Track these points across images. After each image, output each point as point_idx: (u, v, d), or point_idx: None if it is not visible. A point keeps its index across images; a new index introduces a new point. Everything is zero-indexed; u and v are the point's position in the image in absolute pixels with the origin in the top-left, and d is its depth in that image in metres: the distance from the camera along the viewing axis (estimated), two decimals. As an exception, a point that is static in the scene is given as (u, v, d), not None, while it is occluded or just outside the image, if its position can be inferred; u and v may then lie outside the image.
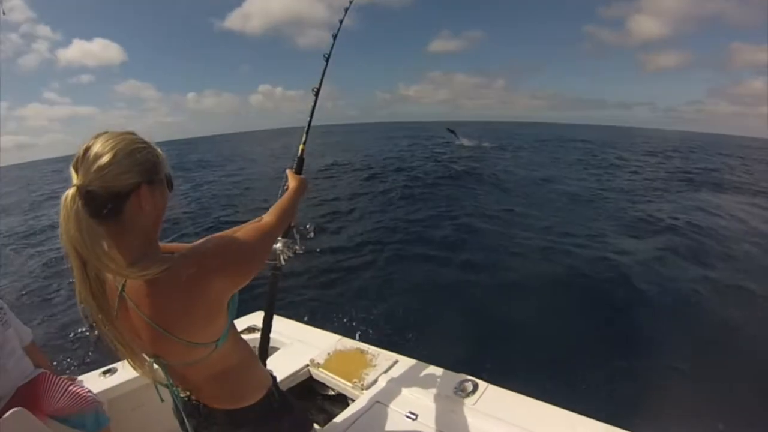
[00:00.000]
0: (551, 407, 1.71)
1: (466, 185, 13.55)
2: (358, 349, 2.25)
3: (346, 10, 2.06)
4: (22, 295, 6.84)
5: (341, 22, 2.00)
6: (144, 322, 0.89)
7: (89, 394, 1.98)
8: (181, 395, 1.08)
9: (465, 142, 29.47)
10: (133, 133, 0.93)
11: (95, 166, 0.83)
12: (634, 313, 5.11)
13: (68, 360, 4.61)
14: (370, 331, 4.70)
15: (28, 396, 1.90)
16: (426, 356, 2.09)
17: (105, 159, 0.83)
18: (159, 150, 0.97)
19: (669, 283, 5.85)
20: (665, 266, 6.49)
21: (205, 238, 1.00)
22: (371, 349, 2.23)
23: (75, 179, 0.83)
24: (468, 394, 1.79)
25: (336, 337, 2.40)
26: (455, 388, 1.83)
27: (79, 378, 2.12)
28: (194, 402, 1.09)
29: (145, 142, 0.94)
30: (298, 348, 2.38)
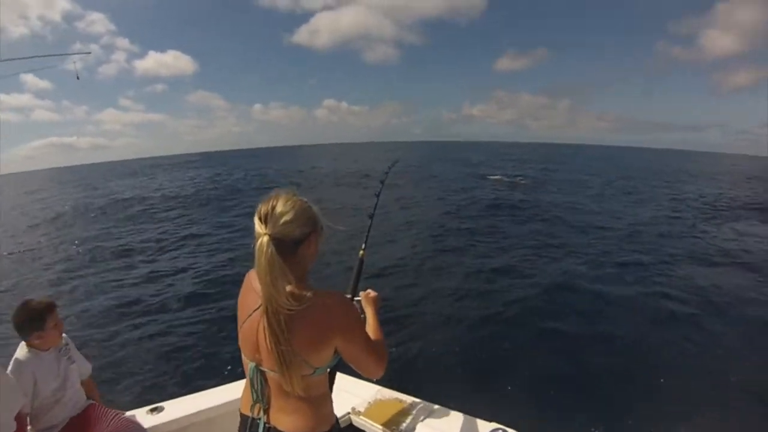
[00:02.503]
0: None
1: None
2: (396, 398, 2.32)
3: (383, 182, 2.21)
4: (86, 325, 6.82)
5: (383, 182, 2.20)
6: (277, 338, 1.11)
7: (135, 425, 2.12)
8: (263, 422, 1.24)
9: (499, 177, 27.94)
10: (296, 194, 1.23)
11: (281, 221, 1.13)
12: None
13: (118, 395, 4.70)
14: (408, 381, 4.42)
15: (80, 425, 2.11)
16: (460, 406, 2.20)
17: (289, 216, 1.15)
18: (315, 206, 1.25)
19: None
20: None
21: (335, 296, 1.23)
22: (409, 398, 2.30)
23: (263, 228, 1.12)
24: None
25: (376, 387, 2.44)
26: None
27: (127, 413, 2.24)
28: (270, 427, 1.24)
29: (308, 202, 1.23)
30: (340, 396, 2.36)
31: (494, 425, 2.01)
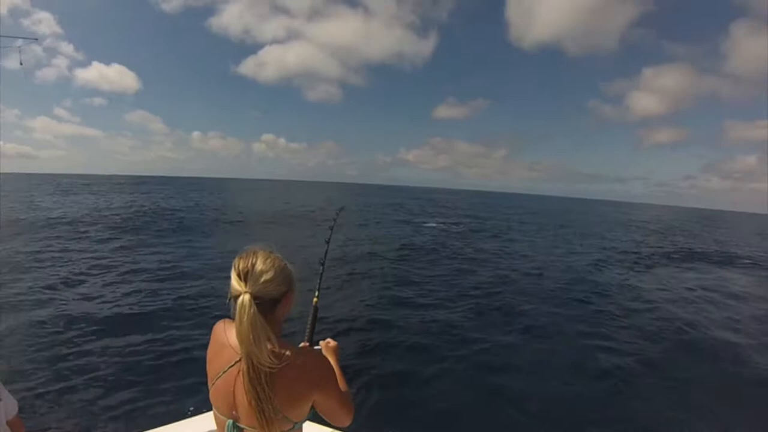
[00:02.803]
0: None
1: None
2: None
3: (332, 228, 2.33)
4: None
5: (332, 229, 2.33)
6: (258, 395, 1.10)
7: None
8: None
9: (435, 224, 29.54)
10: (273, 252, 1.25)
11: (262, 280, 1.14)
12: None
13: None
14: (371, 426, 4.71)
15: None
16: None
17: (269, 275, 1.16)
18: (290, 265, 1.25)
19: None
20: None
21: (312, 355, 1.26)
22: None
23: (243, 286, 1.13)
24: None
25: (313, 425, 2.39)
26: None
27: None
28: None
29: (284, 260, 1.24)
30: None
31: None
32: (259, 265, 1.17)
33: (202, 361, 1.27)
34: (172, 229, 19.89)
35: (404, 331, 7.80)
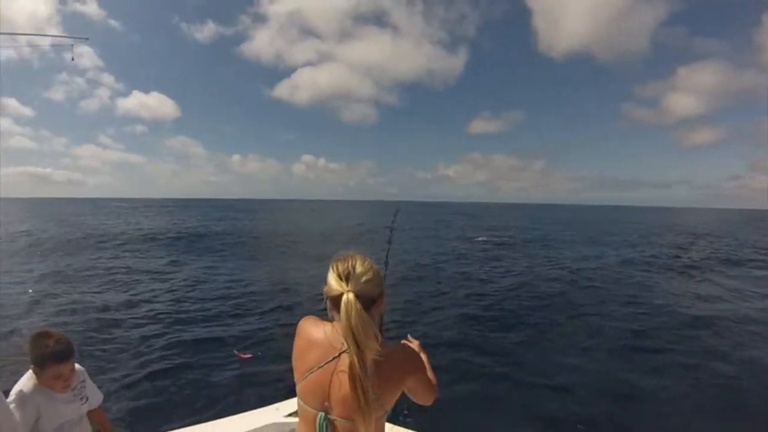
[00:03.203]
0: None
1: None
2: None
3: (391, 230, 2.33)
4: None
5: (391, 230, 2.33)
6: (356, 385, 1.17)
7: None
8: None
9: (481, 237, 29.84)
10: (367, 257, 1.34)
11: (363, 280, 1.25)
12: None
13: (119, 423, 4.65)
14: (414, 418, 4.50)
15: None
16: None
17: (368, 276, 1.27)
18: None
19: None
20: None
21: (406, 346, 1.41)
22: None
23: (345, 286, 1.23)
24: None
25: (387, 425, 2.32)
26: None
27: None
28: None
29: (375, 264, 1.33)
30: None
31: None
32: (359, 267, 1.27)
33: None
34: (232, 244, 21.48)
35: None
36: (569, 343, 7.87)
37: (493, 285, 13.14)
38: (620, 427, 5.10)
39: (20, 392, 1.81)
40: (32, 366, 1.85)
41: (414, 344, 1.61)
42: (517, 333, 8.43)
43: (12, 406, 1.75)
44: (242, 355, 6.67)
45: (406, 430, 2.36)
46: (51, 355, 1.81)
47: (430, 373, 1.47)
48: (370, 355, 1.18)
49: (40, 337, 1.84)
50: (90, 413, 2.11)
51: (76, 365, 1.99)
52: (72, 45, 6.87)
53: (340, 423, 1.22)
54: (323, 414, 1.23)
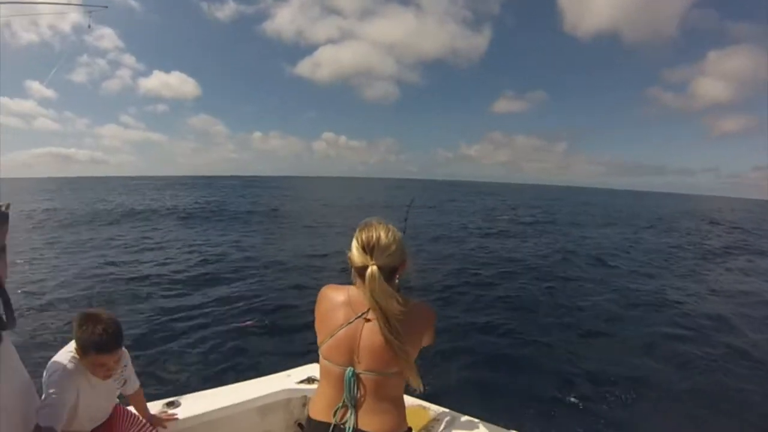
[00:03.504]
0: None
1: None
2: (420, 406, 2.35)
3: (405, 219, 2.26)
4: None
5: (406, 220, 2.27)
6: (386, 338, 1.28)
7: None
8: (351, 426, 1.31)
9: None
10: (390, 225, 1.40)
11: (386, 254, 1.31)
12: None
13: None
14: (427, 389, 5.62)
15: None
16: (477, 413, 2.28)
17: (392, 249, 1.32)
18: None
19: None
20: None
21: (422, 304, 1.46)
22: (432, 406, 2.36)
23: (369, 259, 1.30)
24: None
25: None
26: None
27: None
28: (358, 430, 1.31)
29: (398, 232, 1.39)
30: None
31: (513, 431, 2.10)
32: (383, 239, 1.32)
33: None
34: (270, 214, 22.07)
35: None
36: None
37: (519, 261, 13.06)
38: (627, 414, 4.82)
39: (64, 369, 1.64)
40: (75, 347, 1.68)
41: None
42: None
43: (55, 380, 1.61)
44: (245, 323, 6.80)
45: (415, 399, 2.38)
46: (96, 344, 1.63)
47: None
48: (394, 317, 1.28)
49: (88, 320, 1.65)
50: (130, 397, 2.03)
51: (122, 349, 1.80)
52: (90, 12, 6.52)
53: (366, 376, 1.31)
54: (351, 369, 1.31)
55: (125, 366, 1.90)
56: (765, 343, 7.02)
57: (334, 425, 1.34)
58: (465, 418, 2.26)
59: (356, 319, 1.33)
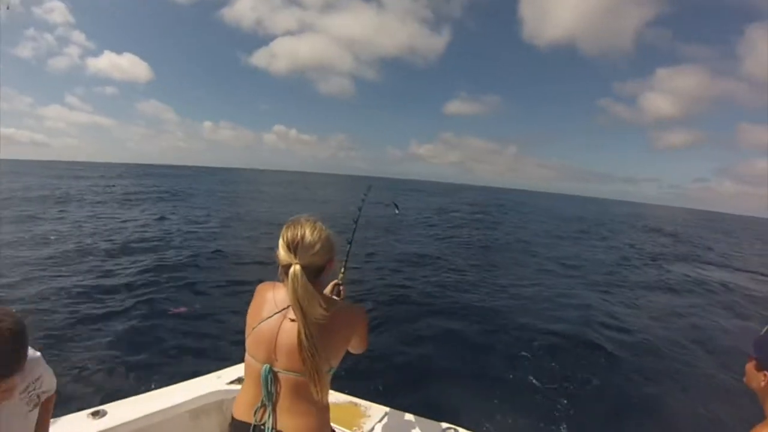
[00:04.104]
0: None
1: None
2: (351, 402, 2.34)
3: (360, 209, 2.30)
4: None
5: (360, 209, 2.30)
6: (300, 340, 1.23)
7: None
8: (270, 427, 1.27)
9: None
10: (318, 222, 1.35)
11: (311, 253, 1.26)
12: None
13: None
14: (357, 386, 4.46)
15: None
16: (409, 407, 2.28)
17: (317, 248, 1.27)
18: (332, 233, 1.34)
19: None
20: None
21: (351, 307, 1.44)
22: (362, 402, 2.34)
23: (293, 258, 1.24)
24: None
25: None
26: None
27: (64, 418, 1.95)
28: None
29: (327, 229, 1.34)
30: None
31: (446, 425, 2.12)
32: (308, 237, 1.27)
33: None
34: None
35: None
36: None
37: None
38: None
39: None
40: None
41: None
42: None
43: None
44: (176, 310, 6.60)
45: (347, 396, 2.41)
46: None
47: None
48: (314, 319, 1.23)
49: None
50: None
51: (31, 351, 1.30)
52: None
53: (283, 375, 1.27)
54: (268, 366, 1.27)
55: (38, 378, 1.39)
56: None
57: (254, 425, 1.29)
58: (397, 413, 2.27)
59: (276, 314, 1.30)
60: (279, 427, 1.26)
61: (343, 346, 1.36)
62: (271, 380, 1.26)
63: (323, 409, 1.35)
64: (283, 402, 1.27)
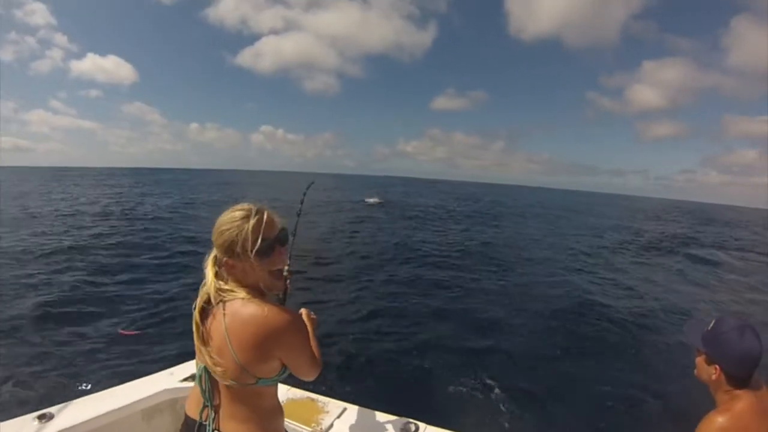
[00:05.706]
0: None
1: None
2: (308, 397, 2.32)
3: (302, 202, 2.24)
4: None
5: (302, 202, 2.24)
6: (226, 341, 1.11)
7: None
8: (212, 428, 1.20)
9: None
10: (247, 205, 1.20)
11: (218, 232, 1.18)
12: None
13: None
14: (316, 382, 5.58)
15: None
16: (368, 403, 2.23)
17: (224, 229, 1.16)
18: (247, 225, 1.14)
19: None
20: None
21: (273, 309, 1.15)
22: (321, 398, 2.32)
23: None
24: None
25: (285, 386, 2.38)
26: (401, 430, 2.04)
27: (8, 422, 1.90)
28: None
29: (246, 222, 1.14)
30: None
31: (405, 419, 2.10)
32: (221, 219, 1.18)
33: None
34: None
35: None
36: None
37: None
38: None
39: None
40: None
41: (305, 314, 1.53)
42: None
43: None
44: (127, 333, 6.23)
45: (304, 392, 2.35)
46: None
47: (313, 344, 1.38)
48: (219, 315, 1.14)
49: None
50: None
51: None
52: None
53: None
54: (202, 366, 1.19)
55: None
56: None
57: (200, 423, 1.22)
58: (356, 408, 2.22)
59: (199, 305, 1.19)
60: (222, 429, 1.19)
61: (262, 357, 1.14)
62: (206, 380, 1.19)
63: (268, 414, 1.26)
64: (224, 404, 1.20)
